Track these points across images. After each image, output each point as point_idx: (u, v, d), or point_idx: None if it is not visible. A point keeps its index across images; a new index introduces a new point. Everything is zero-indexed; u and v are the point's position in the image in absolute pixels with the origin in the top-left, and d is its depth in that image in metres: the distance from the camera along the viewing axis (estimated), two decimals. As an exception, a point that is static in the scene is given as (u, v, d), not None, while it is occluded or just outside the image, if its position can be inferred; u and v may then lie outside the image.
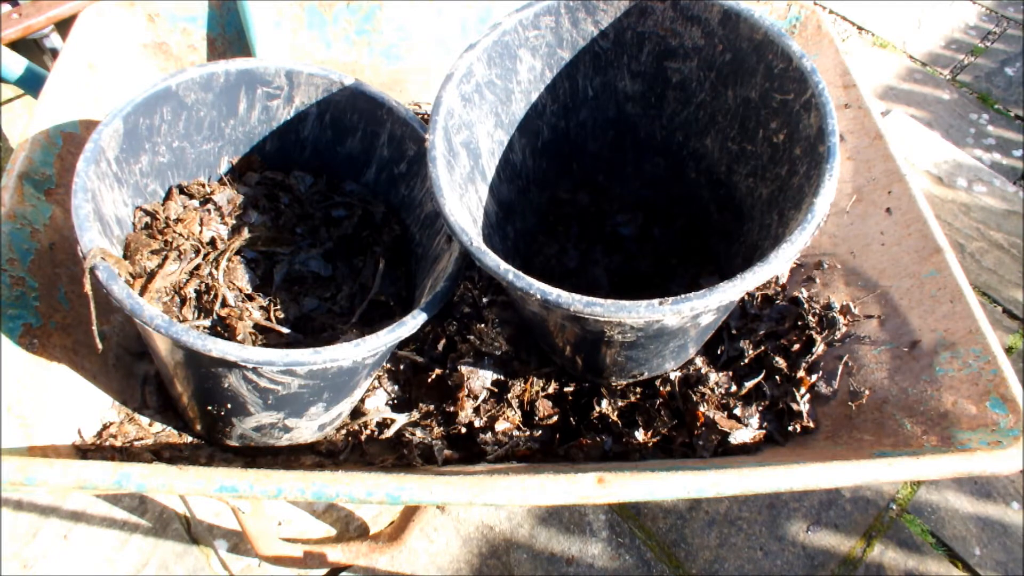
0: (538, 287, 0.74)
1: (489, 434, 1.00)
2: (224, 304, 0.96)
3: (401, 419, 1.04)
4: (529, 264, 1.17)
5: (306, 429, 0.98)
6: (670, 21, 0.95)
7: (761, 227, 0.95)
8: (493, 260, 0.77)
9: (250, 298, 1.01)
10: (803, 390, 1.00)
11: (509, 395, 1.03)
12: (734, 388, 1.02)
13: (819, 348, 1.02)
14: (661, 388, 1.03)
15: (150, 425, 0.99)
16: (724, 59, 0.94)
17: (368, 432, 1.04)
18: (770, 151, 0.93)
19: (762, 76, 0.91)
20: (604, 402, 1.02)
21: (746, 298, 1.11)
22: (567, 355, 0.97)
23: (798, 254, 0.82)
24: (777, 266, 0.73)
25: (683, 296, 0.72)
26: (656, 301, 0.72)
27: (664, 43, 0.98)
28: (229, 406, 0.90)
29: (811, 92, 0.84)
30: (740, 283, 0.72)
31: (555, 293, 0.74)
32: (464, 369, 1.03)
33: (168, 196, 1.05)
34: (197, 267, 0.98)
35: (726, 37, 0.93)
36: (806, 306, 1.07)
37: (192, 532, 1.39)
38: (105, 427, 0.95)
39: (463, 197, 0.88)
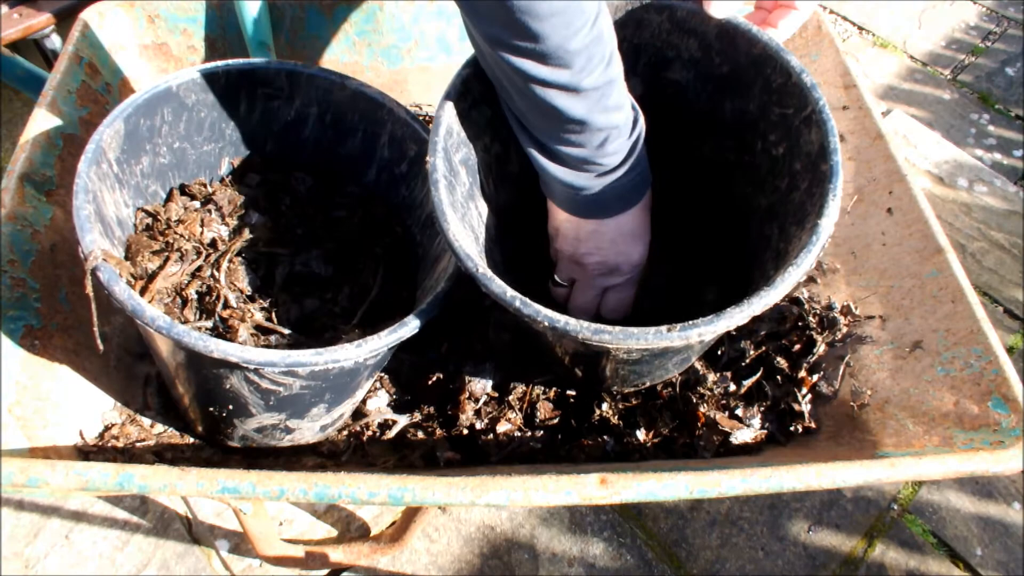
0: (545, 314, 0.75)
1: (491, 436, 1.00)
2: (226, 305, 0.96)
3: (403, 420, 1.04)
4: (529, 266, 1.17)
5: (308, 430, 0.98)
6: (666, 33, 0.94)
7: (760, 237, 0.94)
8: (499, 287, 0.78)
9: (251, 299, 1.01)
10: (804, 390, 1.00)
11: (510, 397, 1.03)
12: (734, 388, 1.02)
13: (820, 348, 1.02)
14: (662, 390, 1.03)
15: (152, 426, 0.99)
16: (722, 71, 0.94)
17: (370, 433, 1.04)
18: (769, 163, 0.93)
19: (760, 89, 0.91)
20: (605, 404, 1.02)
21: (747, 298, 1.10)
22: (566, 365, 0.97)
23: (804, 276, 0.83)
24: (783, 290, 0.75)
25: (690, 323, 0.74)
26: (664, 328, 0.74)
27: (661, 54, 0.97)
28: (231, 407, 0.89)
29: (811, 108, 0.83)
30: (747, 308, 0.74)
31: (563, 320, 0.75)
32: (465, 371, 1.03)
33: (169, 197, 1.05)
34: (199, 268, 0.98)
35: (723, 51, 0.92)
36: (807, 306, 1.07)
37: (193, 532, 1.39)
38: (107, 428, 0.95)
39: (465, 217, 0.87)
